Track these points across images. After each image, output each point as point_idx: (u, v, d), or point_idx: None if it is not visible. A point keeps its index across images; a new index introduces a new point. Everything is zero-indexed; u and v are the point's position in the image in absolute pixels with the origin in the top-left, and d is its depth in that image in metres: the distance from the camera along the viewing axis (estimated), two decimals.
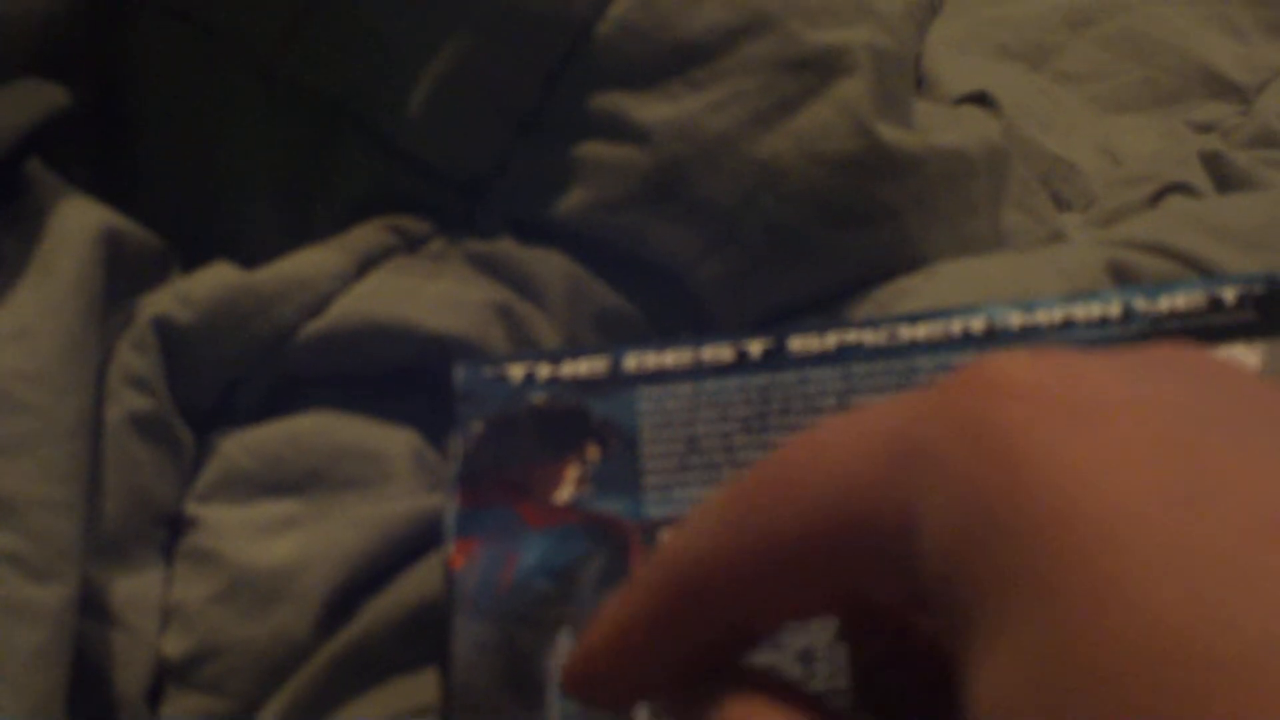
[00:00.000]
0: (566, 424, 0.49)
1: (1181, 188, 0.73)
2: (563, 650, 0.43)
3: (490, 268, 0.59)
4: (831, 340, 0.50)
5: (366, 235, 0.60)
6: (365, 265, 0.59)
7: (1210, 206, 0.67)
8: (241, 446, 0.55)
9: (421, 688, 0.48)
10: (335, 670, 0.49)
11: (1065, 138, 0.81)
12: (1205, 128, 0.83)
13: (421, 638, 0.49)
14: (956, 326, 0.50)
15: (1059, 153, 0.79)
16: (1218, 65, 0.85)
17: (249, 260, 0.58)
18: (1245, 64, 0.85)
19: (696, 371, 0.50)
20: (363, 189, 0.61)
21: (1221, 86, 0.85)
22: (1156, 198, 0.73)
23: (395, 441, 0.55)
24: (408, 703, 0.48)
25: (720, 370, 0.50)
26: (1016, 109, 0.80)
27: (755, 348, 0.50)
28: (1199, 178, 0.75)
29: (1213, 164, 0.75)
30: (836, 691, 0.42)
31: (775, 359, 0.50)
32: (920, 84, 0.81)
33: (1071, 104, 0.86)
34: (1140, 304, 0.50)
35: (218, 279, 0.57)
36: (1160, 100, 0.85)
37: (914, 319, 0.50)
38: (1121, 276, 0.59)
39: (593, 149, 0.60)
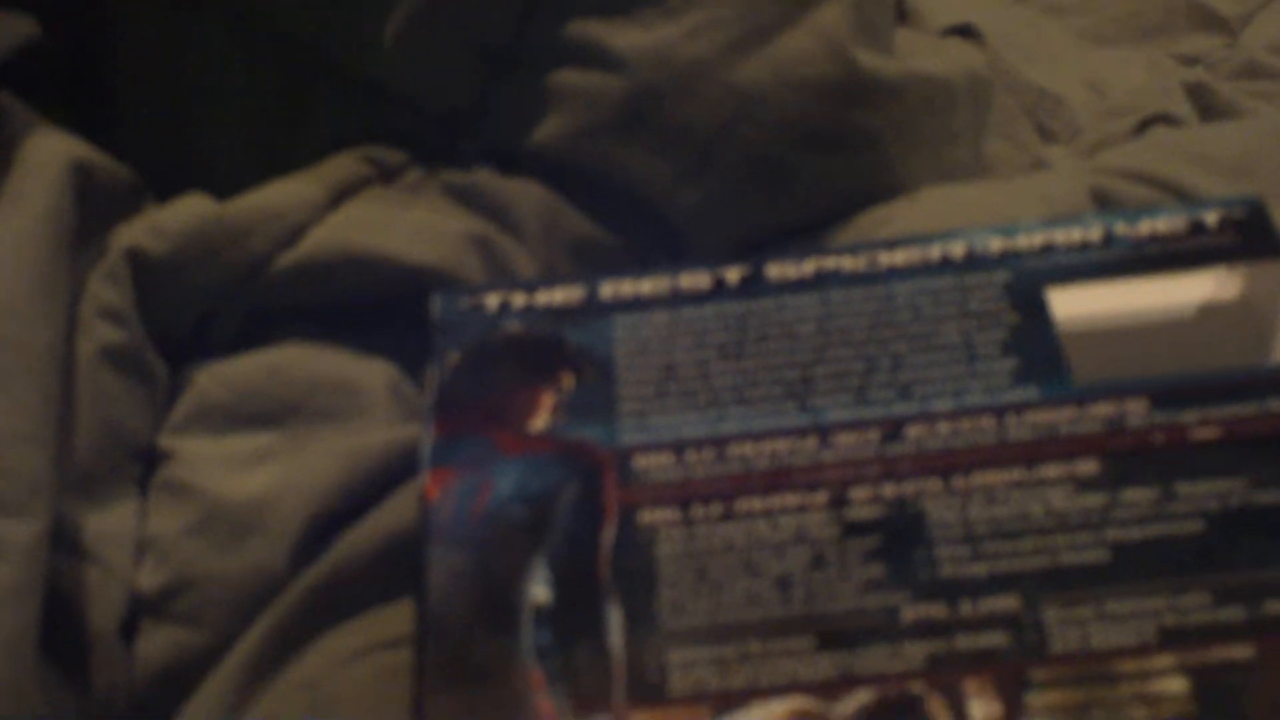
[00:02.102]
0: (541, 352, 0.49)
1: (1166, 118, 0.73)
2: (537, 578, 0.43)
3: (467, 198, 0.59)
4: (809, 267, 0.50)
5: (341, 166, 0.59)
6: (340, 196, 0.58)
7: (1193, 135, 0.67)
8: (216, 378, 0.55)
9: (398, 619, 0.48)
10: (310, 601, 0.49)
11: (1051, 70, 0.81)
12: (1191, 60, 0.82)
13: (397, 569, 0.48)
14: (935, 252, 0.50)
15: (1044, 85, 0.79)
16: None
17: (225, 193, 0.58)
18: None
19: (673, 299, 0.49)
20: (339, 124, 0.61)
21: (1207, 19, 0.84)
22: (1141, 128, 0.72)
23: (371, 373, 0.55)
24: (384, 634, 0.48)
25: (697, 298, 0.49)
26: (1002, 41, 0.80)
27: (733, 275, 0.50)
28: (1184, 109, 0.74)
29: (1197, 95, 0.75)
30: (812, 617, 0.41)
31: (753, 286, 0.49)
32: (905, 17, 0.80)
33: (1057, 37, 0.85)
34: (1121, 228, 0.50)
35: (191, 210, 0.56)
36: (1146, 33, 0.85)
37: (892, 245, 0.50)
38: (1104, 204, 0.59)
39: (569, 78, 0.59)
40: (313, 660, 0.48)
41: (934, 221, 0.57)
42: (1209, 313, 0.49)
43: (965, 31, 0.77)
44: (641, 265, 0.60)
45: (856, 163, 0.60)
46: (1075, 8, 0.87)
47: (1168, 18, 0.85)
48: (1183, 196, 0.59)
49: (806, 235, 0.60)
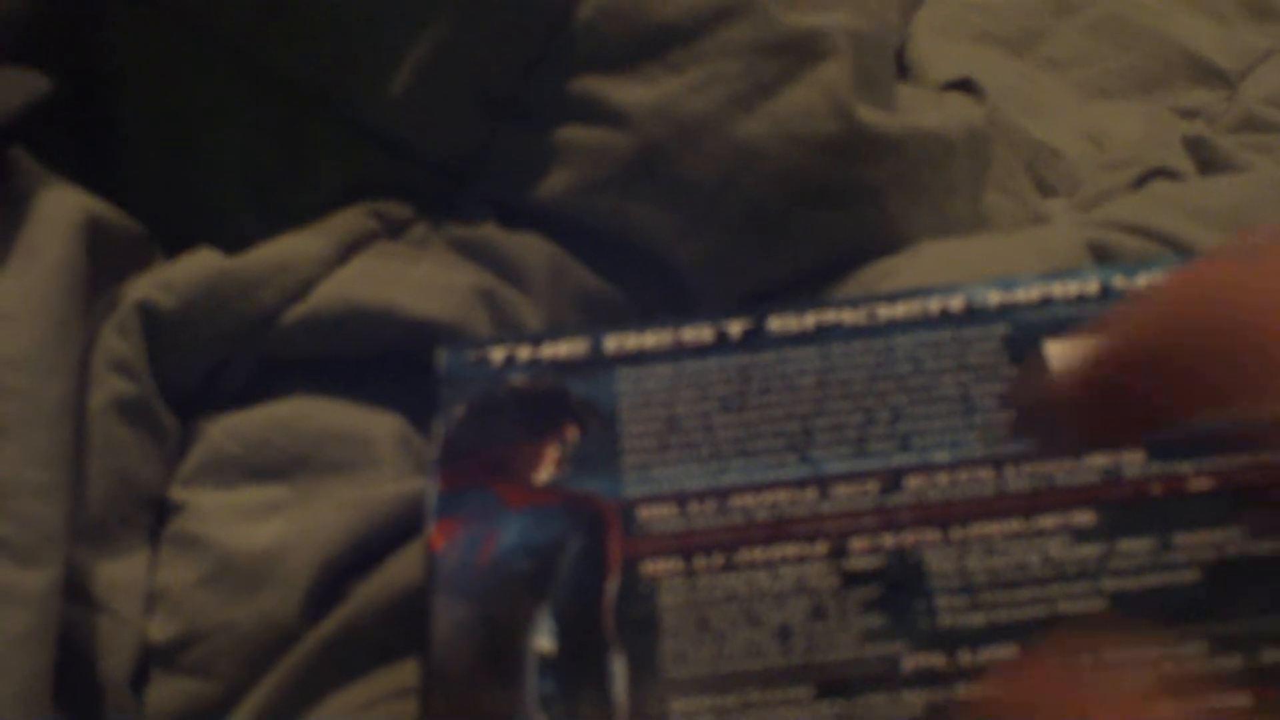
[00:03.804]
0: (546, 405, 0.49)
1: (1165, 172, 0.73)
2: (541, 629, 0.43)
3: (473, 252, 0.60)
4: (810, 320, 0.50)
5: (349, 220, 0.60)
6: (348, 250, 0.59)
7: (1191, 188, 0.67)
8: (226, 431, 0.55)
9: (408, 675, 0.48)
10: (322, 656, 0.49)
11: (1050, 124, 0.81)
12: (1190, 113, 0.83)
13: (408, 623, 0.49)
14: (935, 305, 0.50)
15: (1044, 139, 0.79)
16: (1202, 50, 0.85)
17: (232, 246, 0.58)
18: (1229, 49, 0.86)
19: (676, 352, 0.50)
20: (344, 175, 0.62)
21: (1206, 72, 0.85)
22: (1139, 182, 0.73)
23: (380, 425, 0.55)
24: (392, 685, 0.48)
25: (700, 351, 0.50)
26: (1001, 95, 0.80)
27: (734, 328, 0.50)
28: (1183, 162, 0.75)
29: (1196, 149, 0.75)
30: (812, 667, 0.42)
31: (754, 339, 0.50)
32: (905, 71, 0.81)
33: (1056, 90, 0.86)
34: (1118, 281, 0.50)
35: (200, 264, 0.57)
36: (1145, 86, 0.85)
37: (892, 298, 0.50)
38: (1102, 257, 0.60)
39: (573, 132, 0.60)
40: (323, 713, 0.48)
41: (933, 275, 0.58)
42: None
43: (965, 86, 0.78)
44: (646, 317, 0.61)
45: (857, 217, 0.61)
46: (1075, 62, 0.87)
47: (1167, 71, 0.85)
48: (1180, 249, 0.59)
49: (808, 288, 0.61)
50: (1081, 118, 0.82)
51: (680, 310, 0.60)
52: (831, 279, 0.61)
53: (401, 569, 0.50)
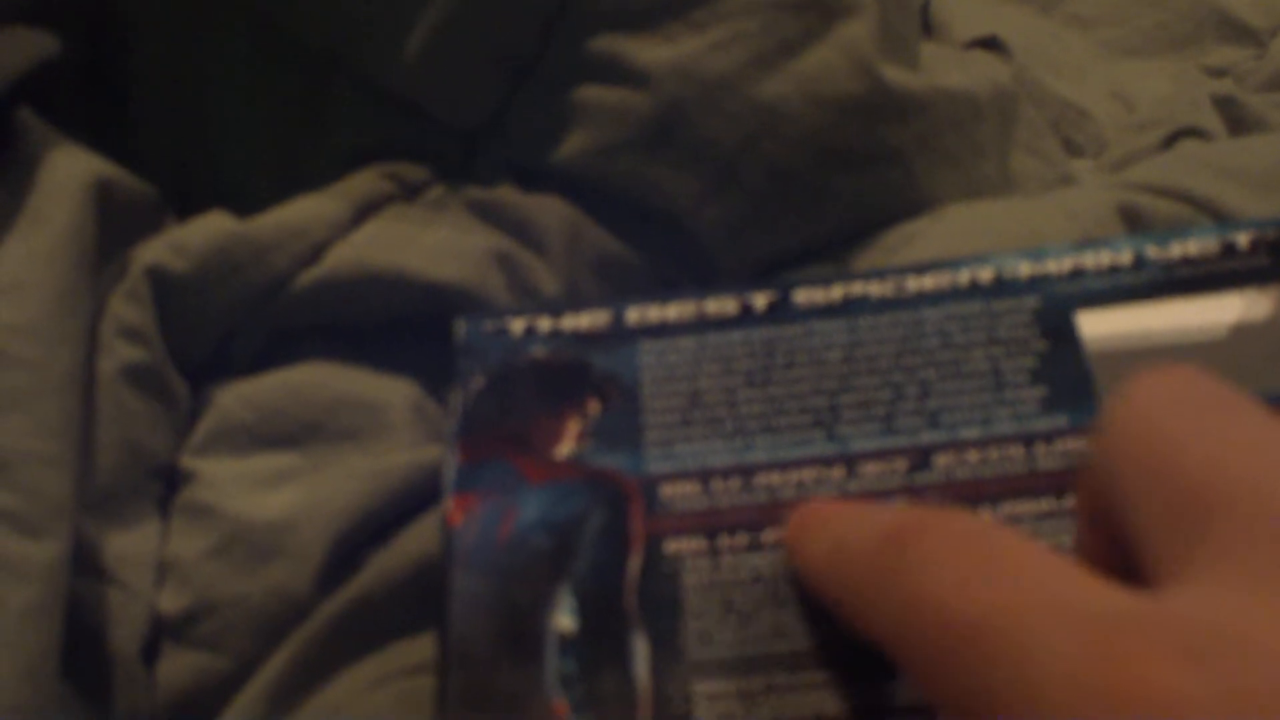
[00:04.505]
0: (567, 378, 0.48)
1: (1194, 131, 0.72)
2: (562, 607, 0.43)
3: (489, 215, 0.59)
4: (837, 292, 0.49)
5: (363, 183, 0.59)
6: (362, 213, 0.58)
7: (1222, 149, 0.66)
8: (238, 398, 0.54)
9: (422, 651, 0.48)
10: (334, 630, 0.49)
11: (1077, 83, 0.80)
12: (1219, 72, 0.82)
13: (422, 597, 0.48)
14: (964, 277, 0.49)
15: (1070, 98, 0.78)
16: (1231, 8, 0.84)
17: (245, 210, 0.58)
18: (1259, 7, 0.85)
19: (699, 325, 0.49)
20: (359, 138, 0.61)
21: (1235, 30, 0.84)
22: (1168, 141, 0.72)
23: (394, 392, 0.54)
24: (406, 660, 0.48)
25: (724, 323, 0.49)
26: (1027, 54, 0.79)
27: (759, 301, 0.49)
28: (1212, 122, 0.74)
29: (1226, 108, 0.74)
30: (838, 649, 0.41)
31: (779, 312, 0.49)
32: (930, 29, 0.80)
33: (1083, 49, 0.85)
34: (1152, 251, 0.49)
35: (212, 228, 0.56)
36: (1173, 44, 0.84)
37: (920, 269, 0.49)
38: (1132, 219, 0.59)
39: (592, 93, 0.59)
40: (336, 688, 0.48)
41: (960, 239, 0.57)
42: (1240, 335, 0.49)
43: (990, 44, 0.76)
44: (665, 282, 0.60)
45: (882, 179, 0.60)
46: (1101, 19, 0.86)
47: (1195, 29, 0.84)
48: (1212, 211, 0.58)
49: (831, 252, 0.60)
50: (1108, 77, 0.81)
51: (700, 274, 0.60)
52: (856, 242, 0.60)
53: (416, 540, 0.50)
